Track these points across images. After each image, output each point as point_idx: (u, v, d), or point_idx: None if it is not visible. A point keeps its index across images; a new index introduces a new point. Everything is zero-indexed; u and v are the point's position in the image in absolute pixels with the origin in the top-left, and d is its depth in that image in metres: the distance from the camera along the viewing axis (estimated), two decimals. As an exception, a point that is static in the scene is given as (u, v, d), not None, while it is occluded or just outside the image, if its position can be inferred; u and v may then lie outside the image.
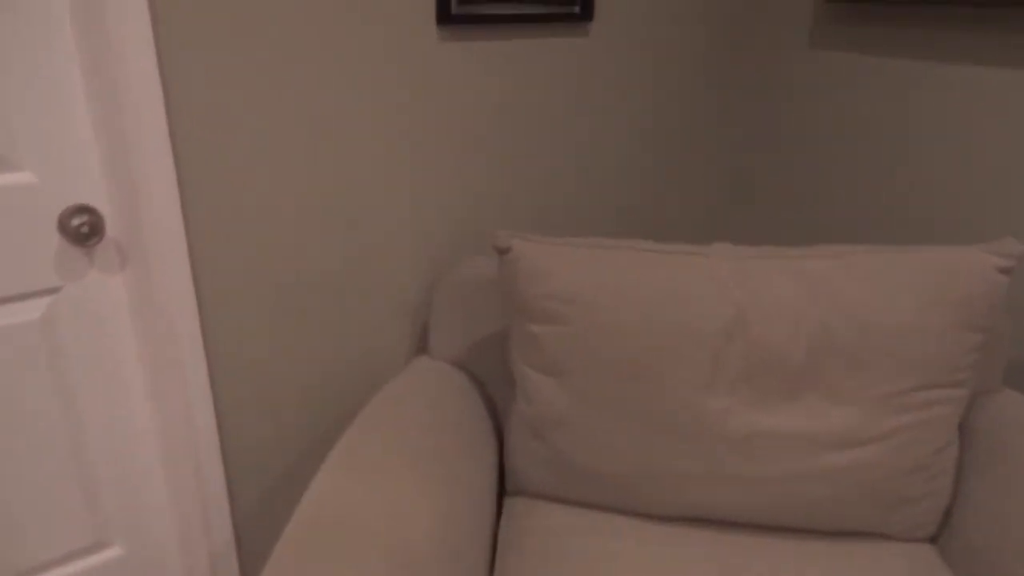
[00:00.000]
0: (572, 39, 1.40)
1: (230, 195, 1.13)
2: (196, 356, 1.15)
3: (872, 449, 1.02)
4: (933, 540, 1.10)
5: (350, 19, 1.15)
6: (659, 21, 1.50)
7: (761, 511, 1.07)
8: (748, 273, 1.04)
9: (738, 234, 1.73)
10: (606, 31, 1.44)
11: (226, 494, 1.23)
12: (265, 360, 1.26)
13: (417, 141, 1.28)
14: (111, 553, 1.25)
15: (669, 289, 1.02)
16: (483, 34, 1.29)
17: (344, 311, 1.31)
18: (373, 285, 1.32)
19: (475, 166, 1.36)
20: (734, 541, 1.07)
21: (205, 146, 1.09)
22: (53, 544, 1.18)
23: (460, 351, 1.29)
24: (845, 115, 1.49)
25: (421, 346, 1.43)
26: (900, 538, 1.09)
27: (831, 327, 1.01)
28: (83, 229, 1.03)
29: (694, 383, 1.02)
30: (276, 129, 1.14)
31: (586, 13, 1.39)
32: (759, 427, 1.03)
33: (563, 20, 1.36)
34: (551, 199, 1.49)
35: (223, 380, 1.22)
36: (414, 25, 1.21)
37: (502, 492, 1.21)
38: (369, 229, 1.28)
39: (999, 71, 1.23)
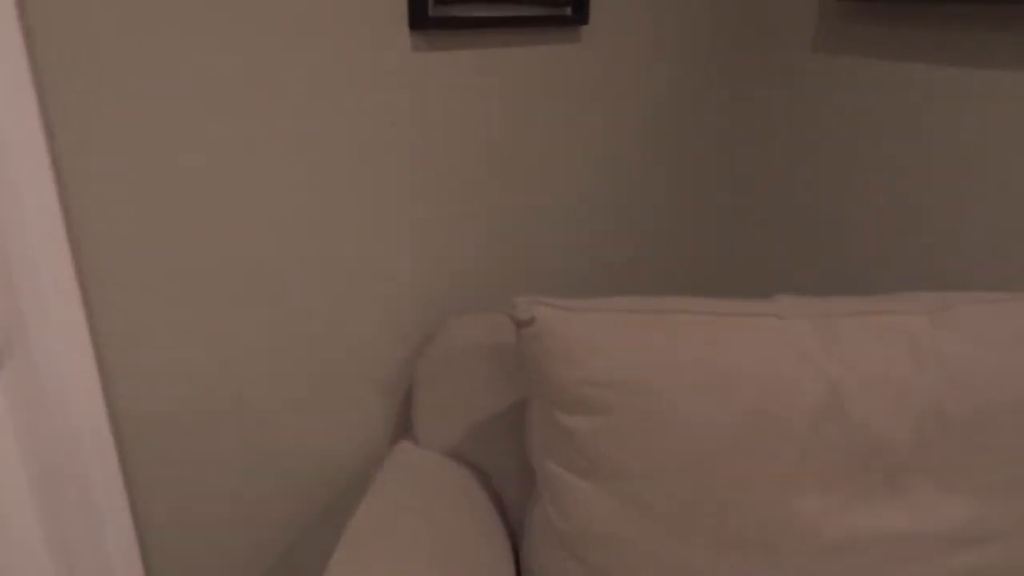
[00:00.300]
0: (563, 45, 1.17)
1: (148, 259, 0.84)
2: (110, 479, 0.85)
3: (993, 548, 0.83)
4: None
5: (294, 28, 0.88)
6: (658, 23, 1.28)
7: (856, 628, 0.85)
8: (836, 337, 0.82)
9: (745, 243, 1.54)
10: (601, 35, 1.21)
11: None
12: (202, 470, 0.96)
13: (385, 173, 1.01)
14: None
15: (741, 365, 0.80)
16: (464, 41, 1.04)
17: (300, 393, 1.03)
18: (336, 354, 1.04)
19: (458, 198, 1.11)
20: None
21: (109, 200, 0.80)
22: None
23: (455, 436, 1.03)
24: (856, 122, 1.31)
25: (400, 425, 1.16)
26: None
27: (942, 401, 0.80)
28: (-70, 326, 0.72)
29: (778, 481, 0.80)
30: (205, 167, 0.86)
31: (580, 15, 1.15)
32: (858, 530, 0.81)
33: (554, 24, 1.12)
34: (547, 224, 1.25)
35: (148, 509, 0.92)
36: (381, 32, 0.95)
37: (521, 616, 0.96)
38: (328, 286, 1.00)
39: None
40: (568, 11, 1.16)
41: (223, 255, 0.89)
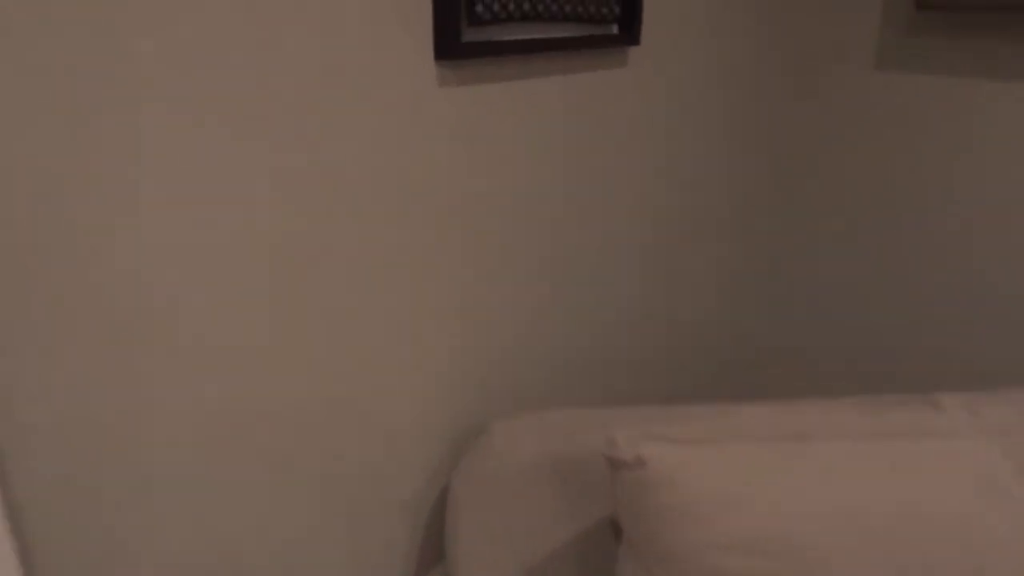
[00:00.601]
0: (608, 71, 0.96)
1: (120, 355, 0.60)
2: None
3: None
4: None
5: (284, 77, 0.65)
6: (711, 43, 1.08)
7: None
8: (1035, 461, 0.62)
9: (800, 286, 1.35)
10: (650, 58, 1.01)
11: None
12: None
13: (406, 240, 0.79)
14: None
15: (919, 510, 0.59)
16: (497, 72, 0.82)
17: (299, 510, 0.79)
18: (346, 462, 0.81)
19: (495, 264, 0.89)
20: None
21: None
22: None
23: (506, 578, 0.80)
24: (937, 153, 1.13)
25: (427, 551, 0.93)
26: None
27: None
28: None
29: (974, 663, 0.59)
30: (194, 237, 0.62)
31: (629, 35, 0.94)
32: None
33: (598, 45, 0.91)
34: (600, 289, 1.04)
35: None
36: (399, 68, 0.72)
37: None
38: (332, 391, 0.77)
39: None
40: (614, 29, 0.95)
41: (210, 337, 0.66)
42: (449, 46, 0.74)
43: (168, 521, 0.66)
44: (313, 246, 0.70)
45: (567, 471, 0.81)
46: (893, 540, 0.58)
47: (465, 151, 0.81)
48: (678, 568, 0.59)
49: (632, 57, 0.99)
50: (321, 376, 0.74)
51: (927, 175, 1.15)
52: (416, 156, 0.76)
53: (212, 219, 0.62)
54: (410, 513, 0.89)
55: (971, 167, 1.10)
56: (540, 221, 0.92)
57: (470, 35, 0.76)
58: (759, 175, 1.25)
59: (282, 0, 0.62)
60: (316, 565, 0.81)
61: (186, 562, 0.68)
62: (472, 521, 0.82)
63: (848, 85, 1.19)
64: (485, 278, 0.88)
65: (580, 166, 0.95)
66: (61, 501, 0.59)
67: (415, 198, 0.78)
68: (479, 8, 0.75)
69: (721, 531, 0.58)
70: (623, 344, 1.11)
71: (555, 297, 0.98)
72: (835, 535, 0.58)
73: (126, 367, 0.60)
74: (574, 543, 0.79)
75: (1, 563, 0.54)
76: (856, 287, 1.26)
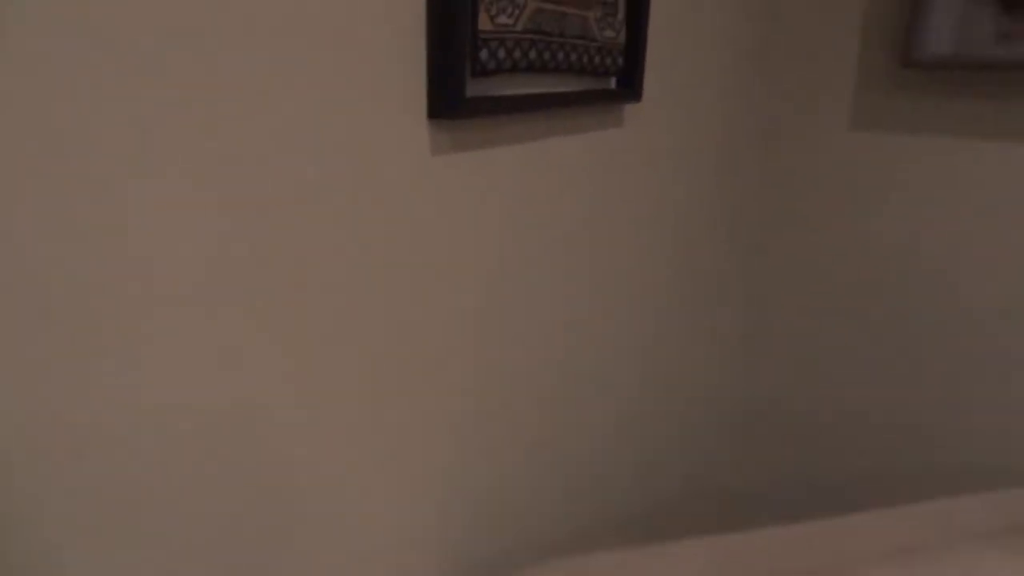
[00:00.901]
0: (606, 131, 0.81)
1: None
2: None
3: None
4: None
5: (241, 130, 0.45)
6: (711, 101, 0.97)
7: None
8: None
9: (786, 348, 1.24)
10: (648, 114, 0.87)
11: None
12: None
13: (376, 353, 0.59)
14: None
15: None
16: (497, 134, 0.65)
17: None
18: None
19: (493, 393, 0.70)
20: None
21: None
22: None
23: None
24: (920, 212, 1.07)
25: None
26: None
27: None
28: None
29: None
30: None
31: (630, 90, 0.80)
32: None
33: (601, 101, 0.77)
34: (603, 392, 0.87)
35: None
36: (384, 133, 0.54)
37: None
38: (289, 539, 0.56)
39: None
40: (611, 83, 0.81)
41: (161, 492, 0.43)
42: (450, 102, 0.56)
43: None
44: (280, 357, 0.50)
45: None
46: None
47: (461, 238, 0.63)
48: None
49: (628, 115, 0.85)
50: (274, 492, 0.53)
51: (911, 232, 1.07)
52: (398, 246, 0.58)
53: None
54: None
55: (955, 226, 1.04)
56: (545, 319, 0.75)
57: (476, 89, 0.59)
58: (761, 241, 1.14)
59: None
60: None
61: None
62: None
63: (834, 143, 1.11)
64: (478, 401, 0.69)
65: (586, 248, 0.79)
66: None
67: (381, 307, 0.58)
68: (483, 55, 0.59)
69: None
70: (635, 433, 0.94)
71: (556, 405, 0.80)
72: None
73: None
74: None
75: None
76: (846, 348, 1.17)
